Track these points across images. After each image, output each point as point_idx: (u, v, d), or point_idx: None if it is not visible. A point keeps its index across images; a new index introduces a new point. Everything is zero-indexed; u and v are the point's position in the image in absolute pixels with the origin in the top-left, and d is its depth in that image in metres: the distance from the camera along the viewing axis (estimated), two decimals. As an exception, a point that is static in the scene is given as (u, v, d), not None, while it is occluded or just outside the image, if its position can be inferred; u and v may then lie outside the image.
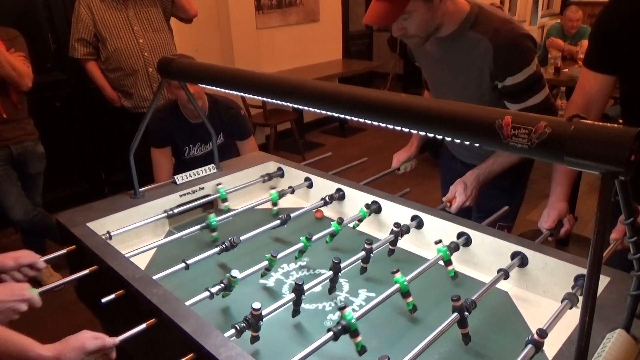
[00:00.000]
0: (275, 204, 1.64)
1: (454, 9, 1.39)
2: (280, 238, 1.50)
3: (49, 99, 3.42)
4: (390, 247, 1.32)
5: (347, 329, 0.91)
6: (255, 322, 0.96)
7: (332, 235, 1.36)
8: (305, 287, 1.06)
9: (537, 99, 1.41)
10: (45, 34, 3.38)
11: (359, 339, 0.93)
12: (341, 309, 0.93)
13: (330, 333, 0.90)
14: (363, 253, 1.20)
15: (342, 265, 1.14)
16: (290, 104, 1.12)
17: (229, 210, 1.60)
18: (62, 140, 3.50)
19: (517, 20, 1.45)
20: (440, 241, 1.24)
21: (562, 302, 0.99)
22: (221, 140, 2.31)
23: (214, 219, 1.44)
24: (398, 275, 1.08)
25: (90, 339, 0.93)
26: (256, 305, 0.96)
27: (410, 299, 1.09)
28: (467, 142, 0.79)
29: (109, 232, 1.37)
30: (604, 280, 1.06)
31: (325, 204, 1.57)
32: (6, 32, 2.45)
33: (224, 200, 1.65)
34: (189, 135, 2.23)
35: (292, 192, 1.68)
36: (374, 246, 1.22)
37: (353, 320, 0.92)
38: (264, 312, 0.98)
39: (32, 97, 2.70)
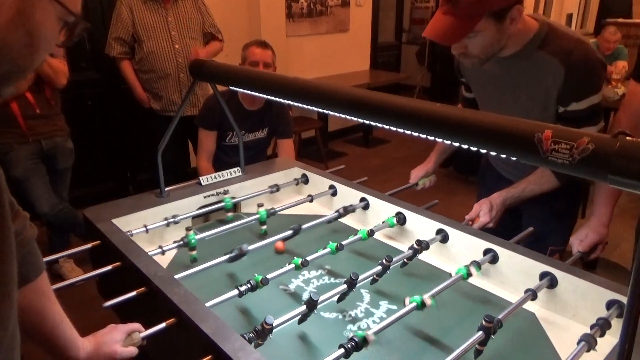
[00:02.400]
0: (263, 223, 1.52)
1: (522, 28, 1.29)
2: (297, 245, 1.48)
3: (81, 97, 3.49)
4: (405, 260, 1.28)
5: (359, 346, 0.89)
6: (264, 335, 0.95)
7: (339, 248, 1.30)
8: (322, 297, 1.04)
9: (591, 130, 1.31)
10: (81, 33, 3.47)
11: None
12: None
13: (342, 350, 0.88)
14: (379, 268, 1.18)
15: (360, 277, 1.12)
16: (321, 110, 1.11)
17: (232, 220, 1.52)
18: (91, 138, 3.56)
19: (586, 39, 1.35)
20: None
21: (577, 344, 0.93)
22: (264, 135, 2.39)
23: (264, 212, 1.46)
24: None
25: (121, 348, 0.93)
26: (269, 320, 0.94)
27: (429, 302, 1.05)
28: (504, 155, 0.77)
29: (144, 227, 1.39)
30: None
31: (340, 216, 1.52)
32: (44, 30, 2.51)
33: (228, 210, 1.59)
34: (238, 121, 2.27)
35: (311, 201, 1.65)
36: (393, 259, 1.20)
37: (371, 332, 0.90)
38: (275, 322, 0.96)
39: (66, 95, 2.75)
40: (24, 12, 0.50)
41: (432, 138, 0.84)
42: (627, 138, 0.66)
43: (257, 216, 1.49)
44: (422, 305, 1.05)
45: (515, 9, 1.23)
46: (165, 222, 1.45)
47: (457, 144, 0.81)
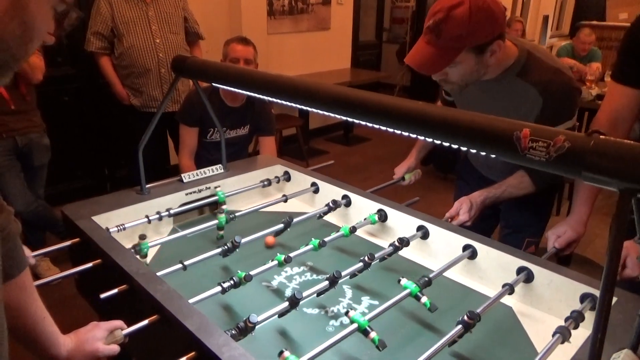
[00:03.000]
0: (220, 228, 1.46)
1: (502, 55, 1.32)
2: (282, 242, 1.49)
3: (58, 93, 3.42)
4: (385, 257, 1.29)
5: (357, 328, 0.92)
6: (246, 332, 0.95)
7: (321, 245, 1.31)
8: (305, 293, 1.05)
9: None
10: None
11: (373, 334, 0.94)
12: (346, 313, 0.93)
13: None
14: (361, 265, 1.19)
15: (342, 273, 1.14)
16: (301, 107, 1.12)
17: (227, 212, 1.51)
18: (68, 134, 3.50)
19: (563, 66, 1.39)
20: (400, 279, 1.14)
21: (553, 336, 0.96)
22: (245, 132, 2.39)
23: (223, 218, 1.44)
24: (405, 281, 1.07)
25: (103, 346, 0.92)
26: (253, 318, 0.95)
27: (425, 299, 1.08)
28: (483, 153, 0.79)
29: (120, 226, 1.38)
30: (610, 300, 1.06)
31: (330, 210, 1.56)
32: (20, 24, 2.46)
33: (222, 203, 1.60)
34: (219, 117, 2.26)
35: (285, 201, 1.65)
36: (375, 256, 1.21)
37: (362, 319, 0.93)
38: (258, 319, 0.97)
39: (42, 90, 2.70)
40: (18, 2, 0.51)
41: (413, 136, 0.85)
42: (601, 137, 0.69)
43: (217, 221, 1.45)
44: (415, 296, 1.10)
45: (496, 43, 1.26)
46: (146, 219, 1.44)
47: (438, 142, 0.83)
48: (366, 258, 1.18)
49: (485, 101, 1.45)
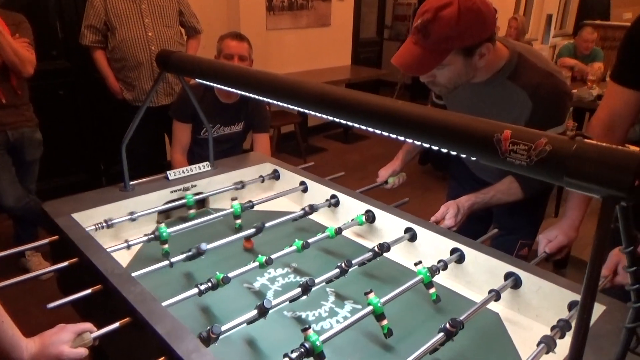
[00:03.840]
0: (237, 217, 1.48)
1: (492, 57, 1.28)
2: (267, 242, 1.46)
3: (53, 87, 3.40)
4: (365, 262, 1.24)
5: (310, 352, 0.86)
6: (209, 342, 0.91)
7: (305, 246, 1.28)
8: (274, 302, 1.00)
9: None
10: (53, 21, 3.36)
11: (385, 322, 0.93)
12: (304, 330, 0.88)
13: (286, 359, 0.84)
14: (337, 271, 1.15)
15: (318, 280, 1.10)
16: (284, 104, 1.08)
17: (194, 217, 1.49)
18: (63, 129, 3.47)
19: (555, 69, 1.35)
20: (420, 262, 1.17)
21: (537, 345, 0.92)
22: (239, 128, 2.36)
23: (238, 206, 1.43)
24: (371, 296, 1.02)
25: (68, 349, 0.89)
26: (216, 329, 0.90)
27: (384, 322, 1.02)
28: (464, 155, 0.76)
29: (106, 222, 1.35)
30: (599, 309, 1.02)
31: (305, 214, 1.49)
32: (12, 17, 2.43)
33: (190, 207, 1.54)
34: (212, 114, 2.23)
35: (252, 207, 1.55)
36: (352, 262, 1.17)
37: (318, 343, 0.87)
38: (225, 327, 0.93)
39: (36, 84, 2.67)
40: None
41: (393, 136, 0.82)
42: (585, 140, 0.65)
43: (228, 211, 1.45)
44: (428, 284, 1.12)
45: (485, 46, 1.23)
46: (129, 217, 1.41)
47: (418, 142, 0.79)
48: (343, 264, 1.14)
49: (476, 105, 1.41)
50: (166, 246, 1.31)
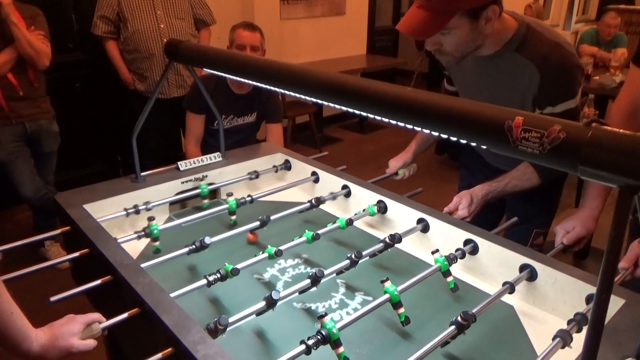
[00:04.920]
0: (232, 213, 1.45)
1: (500, 28, 1.26)
2: (282, 231, 1.45)
3: (69, 79, 3.44)
4: (376, 253, 1.23)
5: (327, 339, 0.85)
6: (216, 334, 0.90)
7: (315, 238, 1.26)
8: (283, 293, 0.99)
9: None
10: (69, 13, 3.39)
11: (341, 349, 0.87)
12: (321, 317, 0.87)
13: (303, 346, 0.83)
14: (347, 262, 1.13)
15: (327, 272, 1.08)
16: (296, 94, 1.06)
17: (209, 207, 1.48)
18: (79, 120, 3.51)
19: (565, 41, 1.31)
20: (437, 251, 1.15)
21: (553, 339, 0.89)
22: (252, 119, 2.36)
23: (233, 202, 1.42)
24: (387, 285, 1.00)
25: (78, 341, 0.90)
26: (223, 321, 0.90)
27: (401, 310, 1.01)
28: (474, 144, 0.73)
29: (109, 215, 1.35)
30: (617, 303, 0.98)
31: (312, 206, 1.46)
32: (27, 10, 2.45)
33: (204, 197, 1.54)
34: (225, 105, 2.23)
35: (251, 202, 1.50)
36: (362, 254, 1.15)
37: (335, 330, 0.86)
38: (233, 319, 0.92)
39: (52, 76, 2.70)
40: None
41: (401, 124, 0.79)
42: (602, 127, 0.62)
43: (224, 207, 1.43)
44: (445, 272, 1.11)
45: (491, 9, 1.19)
46: (133, 210, 1.40)
47: (426, 131, 0.77)
48: (353, 256, 1.12)
49: (483, 79, 1.38)
50: (157, 243, 1.30)
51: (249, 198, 1.48)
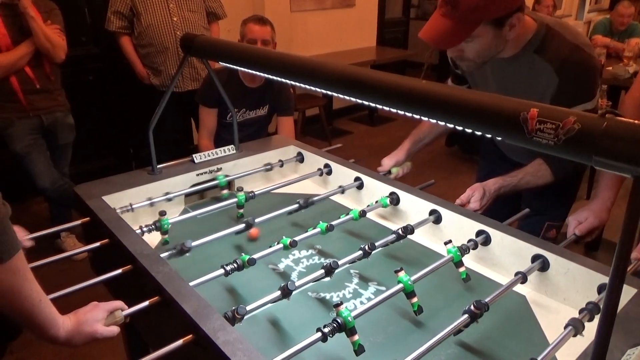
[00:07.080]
0: (240, 207, 1.46)
1: (520, 31, 1.24)
2: (296, 223, 1.47)
3: (82, 72, 3.47)
4: (388, 244, 1.24)
5: (342, 327, 0.87)
6: (234, 322, 0.93)
7: (329, 229, 1.27)
8: (297, 284, 1.02)
9: None
10: (82, 7, 3.42)
11: (356, 337, 0.89)
12: (336, 305, 0.89)
13: (319, 334, 0.86)
14: (360, 253, 1.15)
15: (341, 262, 1.10)
16: (309, 86, 1.08)
17: (228, 197, 1.51)
18: (93, 113, 3.55)
19: (584, 42, 1.29)
20: (450, 241, 1.17)
21: (565, 328, 0.91)
22: (264, 112, 2.38)
23: (242, 196, 1.44)
24: (401, 274, 1.02)
25: (102, 327, 0.93)
26: (241, 310, 0.92)
27: (415, 300, 1.03)
28: (489, 135, 0.74)
29: (126, 207, 1.38)
30: (630, 292, 0.99)
31: (300, 208, 1.44)
32: (44, 4, 2.48)
33: (223, 187, 1.57)
34: (238, 99, 2.26)
35: (253, 198, 1.50)
36: (376, 245, 1.17)
37: (350, 318, 0.88)
38: (250, 307, 0.95)
39: (66, 70, 2.74)
40: None
41: (417, 116, 0.81)
42: (617, 118, 0.63)
43: (236, 200, 1.44)
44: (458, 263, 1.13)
45: (515, 16, 1.19)
46: (149, 201, 1.44)
47: (442, 123, 0.78)
48: (367, 247, 1.14)
49: (501, 82, 1.37)
50: (166, 236, 1.33)
51: (257, 191, 1.50)
